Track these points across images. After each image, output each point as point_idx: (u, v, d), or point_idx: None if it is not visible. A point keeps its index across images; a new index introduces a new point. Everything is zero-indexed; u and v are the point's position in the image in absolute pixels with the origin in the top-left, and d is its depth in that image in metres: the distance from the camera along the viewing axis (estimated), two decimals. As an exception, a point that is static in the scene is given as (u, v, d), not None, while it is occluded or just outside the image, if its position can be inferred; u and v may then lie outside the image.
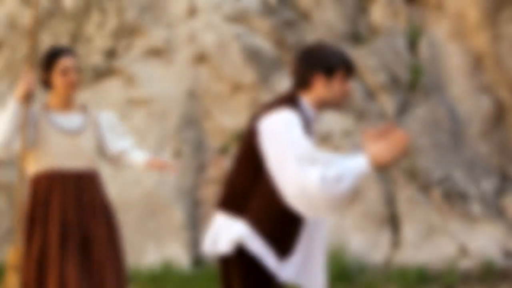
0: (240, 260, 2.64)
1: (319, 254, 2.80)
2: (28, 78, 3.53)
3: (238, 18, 7.68)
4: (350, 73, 2.70)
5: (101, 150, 3.78)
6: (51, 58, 3.69)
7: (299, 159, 2.44)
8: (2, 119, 3.52)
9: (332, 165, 2.39)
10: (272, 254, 2.63)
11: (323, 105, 2.71)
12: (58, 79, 3.66)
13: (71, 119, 3.70)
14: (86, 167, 3.65)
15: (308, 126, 2.67)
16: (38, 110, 3.69)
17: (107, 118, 3.82)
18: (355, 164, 2.38)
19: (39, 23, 8.19)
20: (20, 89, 3.52)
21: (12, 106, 3.52)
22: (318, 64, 2.66)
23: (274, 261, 2.64)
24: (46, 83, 3.72)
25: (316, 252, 2.78)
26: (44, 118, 3.66)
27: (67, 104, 3.72)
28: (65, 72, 3.66)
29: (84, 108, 3.80)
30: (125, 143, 3.81)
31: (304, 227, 2.70)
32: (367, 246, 6.71)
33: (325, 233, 2.84)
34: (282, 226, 2.65)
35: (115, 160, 3.84)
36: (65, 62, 3.67)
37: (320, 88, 2.67)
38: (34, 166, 3.62)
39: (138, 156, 3.79)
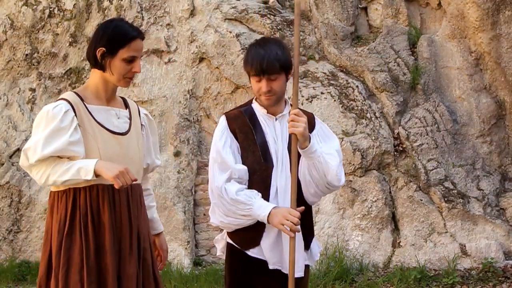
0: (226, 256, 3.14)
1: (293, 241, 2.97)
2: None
3: (238, 18, 7.68)
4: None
5: None
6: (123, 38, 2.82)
7: None
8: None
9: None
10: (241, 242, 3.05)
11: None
12: (121, 67, 2.89)
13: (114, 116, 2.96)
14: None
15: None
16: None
17: None
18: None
19: (39, 23, 8.19)
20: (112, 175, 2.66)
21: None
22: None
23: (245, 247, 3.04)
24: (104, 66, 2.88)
25: (287, 239, 2.96)
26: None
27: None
28: (132, 59, 2.86)
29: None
30: None
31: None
32: (367, 246, 6.71)
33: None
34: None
35: None
36: (136, 46, 2.85)
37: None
38: None
39: None
